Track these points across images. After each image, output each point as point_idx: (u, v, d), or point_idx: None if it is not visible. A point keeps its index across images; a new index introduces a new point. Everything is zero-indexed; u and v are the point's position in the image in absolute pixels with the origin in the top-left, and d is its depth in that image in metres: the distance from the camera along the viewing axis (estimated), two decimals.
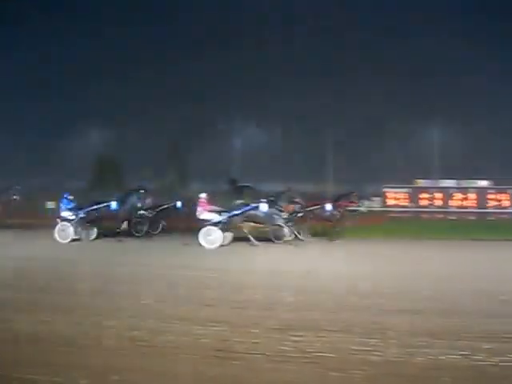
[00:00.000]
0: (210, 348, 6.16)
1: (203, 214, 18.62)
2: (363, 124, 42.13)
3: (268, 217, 18.78)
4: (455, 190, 36.32)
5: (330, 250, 17.71)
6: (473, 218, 33.89)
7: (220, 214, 18.54)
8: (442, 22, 43.42)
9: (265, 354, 5.95)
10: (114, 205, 19.40)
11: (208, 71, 44.92)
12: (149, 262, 14.07)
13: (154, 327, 7.05)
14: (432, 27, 43.31)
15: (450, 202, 35.83)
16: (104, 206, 19.55)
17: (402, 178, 37.21)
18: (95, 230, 19.89)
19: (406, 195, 37.24)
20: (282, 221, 18.91)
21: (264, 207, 18.61)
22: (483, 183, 36.82)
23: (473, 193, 35.84)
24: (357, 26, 43.89)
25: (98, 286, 10.06)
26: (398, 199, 36.77)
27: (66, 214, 19.48)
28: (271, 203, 18.88)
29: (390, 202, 36.23)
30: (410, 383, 5.21)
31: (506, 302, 8.91)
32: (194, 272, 12.02)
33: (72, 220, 19.18)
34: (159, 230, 20.58)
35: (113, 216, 19.70)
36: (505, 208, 35.31)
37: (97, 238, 19.87)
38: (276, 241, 18.71)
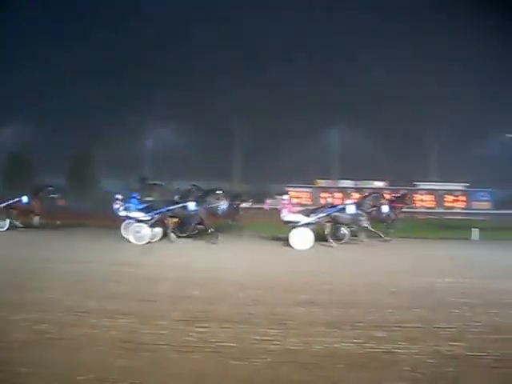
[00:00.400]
0: (118, 340, 6.23)
1: (288, 215, 18.36)
2: (270, 126, 42.84)
3: (352, 218, 18.80)
4: (353, 189, 37.66)
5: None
6: None
7: (309, 216, 18.33)
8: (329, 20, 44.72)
9: (171, 345, 6.08)
10: (192, 205, 18.65)
11: (121, 71, 44.31)
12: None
13: (63, 320, 7.01)
14: (323, 26, 44.50)
15: (348, 201, 36.99)
16: (181, 207, 18.72)
17: (305, 178, 38.23)
18: (160, 230, 18.98)
19: (308, 194, 38.35)
20: (367, 223, 18.85)
21: (351, 209, 18.73)
22: (379, 184, 38.44)
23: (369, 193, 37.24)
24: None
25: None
26: (300, 198, 37.77)
27: (136, 214, 18.46)
28: (357, 205, 19.03)
29: (292, 201, 36.93)
30: (307, 370, 5.46)
31: (396, 293, 9.46)
32: (117, 268, 11.85)
33: (148, 221, 18.15)
34: (196, 230, 19.82)
35: (187, 216, 18.90)
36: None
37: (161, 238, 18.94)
38: (336, 241, 18.64)
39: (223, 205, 20.02)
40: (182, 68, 44.33)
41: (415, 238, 21.89)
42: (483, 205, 41.94)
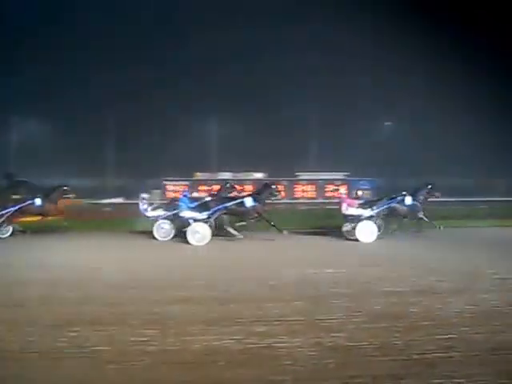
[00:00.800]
0: None
1: (349, 209, 18.19)
2: (144, 119, 42.25)
3: (409, 210, 19.08)
4: (233, 181, 37.87)
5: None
6: None
7: (372, 209, 18.19)
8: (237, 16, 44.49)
9: (40, 352, 5.76)
10: (249, 201, 18.20)
11: None
12: None
13: None
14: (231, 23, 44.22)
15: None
16: (238, 203, 18.25)
17: (182, 172, 38.10)
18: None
19: (186, 187, 38.21)
20: (421, 214, 19.22)
21: (408, 200, 18.88)
22: (258, 175, 39.03)
23: (249, 184, 37.65)
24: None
25: None
26: (178, 192, 37.51)
27: (192, 214, 17.49)
28: (413, 196, 19.19)
29: (170, 194, 36.69)
30: (186, 370, 5.32)
31: (275, 287, 9.47)
32: None
33: (205, 220, 17.35)
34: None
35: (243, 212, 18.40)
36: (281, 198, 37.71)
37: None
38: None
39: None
40: (55, 57, 42.56)
41: (301, 230, 21.90)
42: (364, 193, 43.45)
